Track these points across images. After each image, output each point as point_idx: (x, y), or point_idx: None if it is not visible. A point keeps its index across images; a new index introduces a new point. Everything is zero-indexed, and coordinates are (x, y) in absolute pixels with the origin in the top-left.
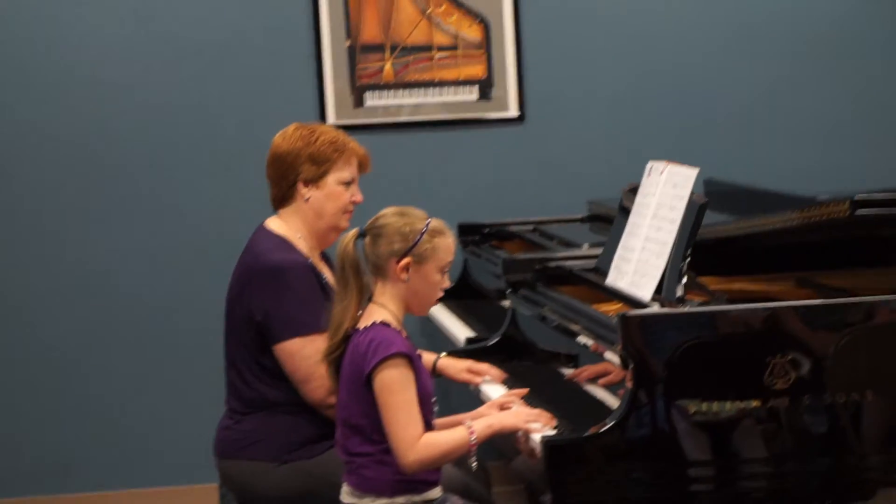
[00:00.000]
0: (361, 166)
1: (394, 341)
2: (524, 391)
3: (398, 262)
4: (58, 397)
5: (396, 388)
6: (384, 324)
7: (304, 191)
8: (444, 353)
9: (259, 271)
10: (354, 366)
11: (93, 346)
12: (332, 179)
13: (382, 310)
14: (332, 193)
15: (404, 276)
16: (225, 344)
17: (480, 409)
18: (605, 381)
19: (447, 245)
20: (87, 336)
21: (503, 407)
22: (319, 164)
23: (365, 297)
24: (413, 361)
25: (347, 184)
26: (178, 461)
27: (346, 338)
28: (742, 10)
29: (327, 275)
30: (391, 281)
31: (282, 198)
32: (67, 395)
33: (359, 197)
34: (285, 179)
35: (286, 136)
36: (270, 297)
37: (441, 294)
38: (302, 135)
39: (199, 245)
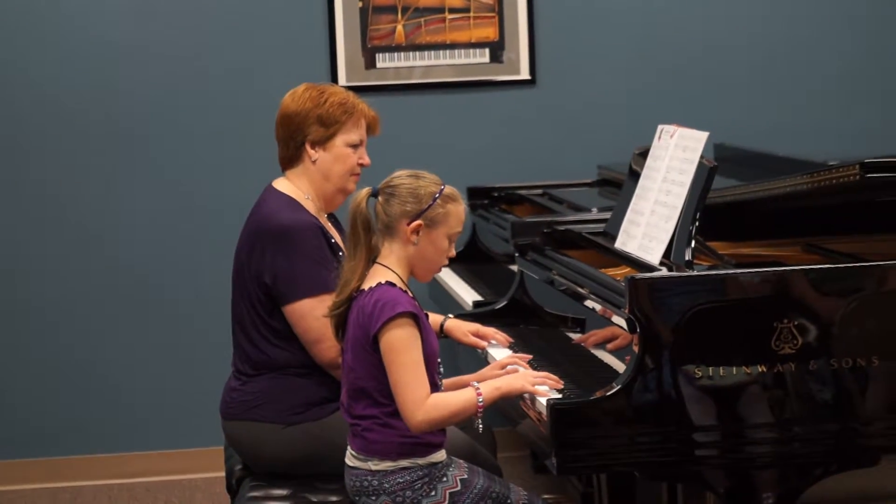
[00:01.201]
0: (370, 128)
1: (399, 301)
2: (528, 357)
3: (409, 223)
4: (63, 360)
5: (403, 348)
6: (389, 283)
7: (311, 152)
8: (451, 315)
9: (267, 232)
10: (360, 327)
11: (98, 308)
12: (340, 141)
13: (388, 271)
14: (340, 155)
15: (414, 238)
16: (232, 305)
17: (483, 371)
18: (612, 346)
19: (459, 213)
20: (92, 297)
21: (506, 368)
22: (328, 126)
23: (372, 257)
24: (419, 321)
25: (355, 146)
26: (184, 423)
27: (351, 296)
28: None
29: (335, 236)
30: (399, 242)
31: (290, 158)
32: (72, 358)
33: (366, 160)
34: (293, 140)
35: (295, 97)
36: (279, 258)
37: (446, 262)
38: (311, 95)
39: (208, 206)
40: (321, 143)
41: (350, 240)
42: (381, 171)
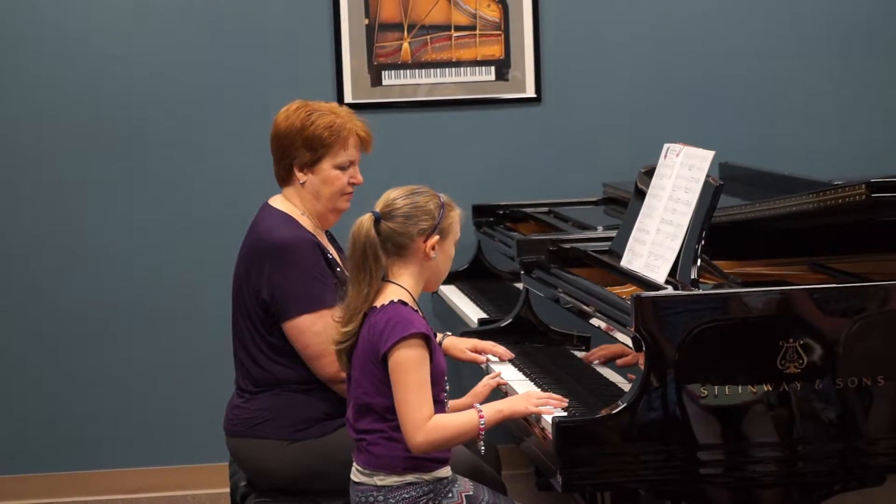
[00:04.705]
0: (364, 146)
1: (412, 321)
2: (510, 355)
3: (426, 240)
4: (66, 375)
5: (411, 369)
6: (402, 302)
7: (299, 174)
8: (449, 333)
9: (265, 249)
10: (370, 344)
11: (101, 323)
12: (328, 164)
13: (400, 289)
14: (328, 178)
15: (433, 253)
16: (233, 322)
17: (475, 389)
18: (622, 362)
19: (460, 217)
20: (95, 312)
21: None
22: (314, 150)
23: (379, 280)
24: (430, 342)
25: (344, 168)
26: (188, 440)
27: (361, 325)
28: None
29: (332, 251)
30: (415, 260)
31: (282, 177)
32: (76, 373)
33: (358, 178)
34: (283, 161)
35: (287, 116)
36: (277, 274)
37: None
38: (300, 116)
39: (212, 221)
40: (308, 166)
41: (358, 269)
42: (385, 187)
